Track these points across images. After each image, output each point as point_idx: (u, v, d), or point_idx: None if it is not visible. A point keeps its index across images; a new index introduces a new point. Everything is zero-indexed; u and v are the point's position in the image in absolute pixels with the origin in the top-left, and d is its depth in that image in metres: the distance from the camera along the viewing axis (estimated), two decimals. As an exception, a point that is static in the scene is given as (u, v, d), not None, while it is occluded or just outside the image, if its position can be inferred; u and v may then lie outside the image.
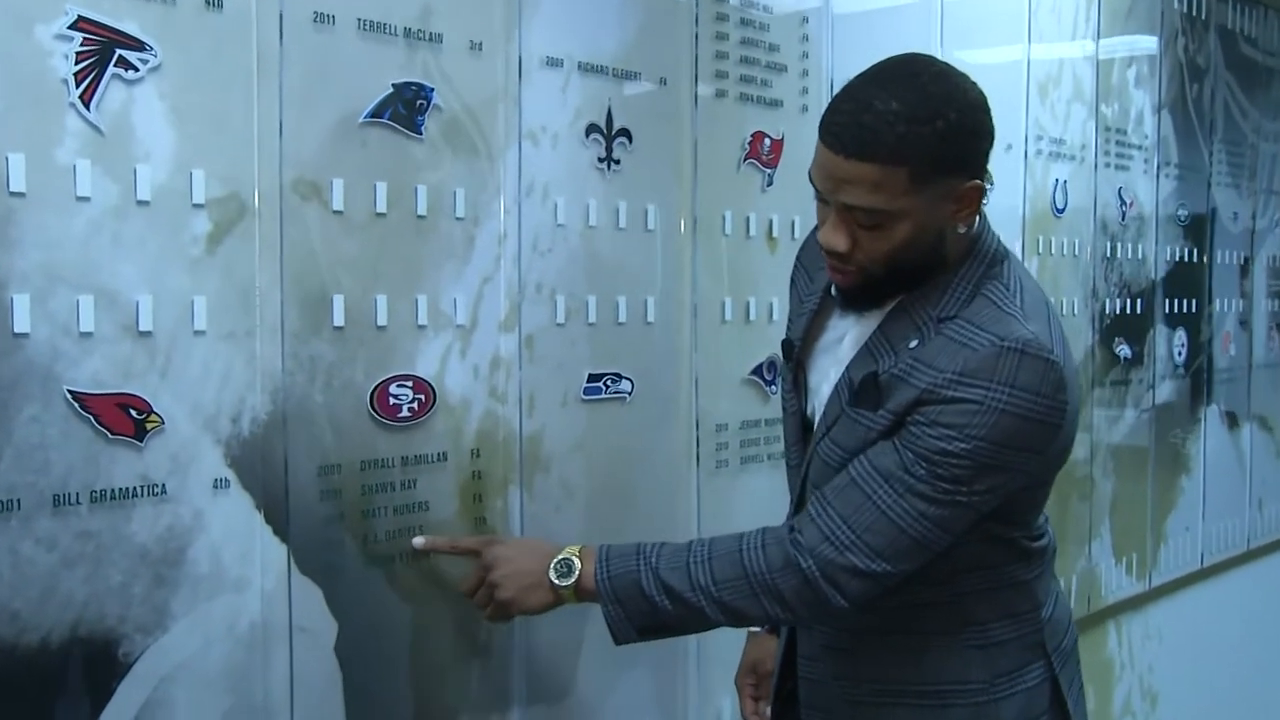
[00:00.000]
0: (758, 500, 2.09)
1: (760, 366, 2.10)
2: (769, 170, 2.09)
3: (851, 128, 1.31)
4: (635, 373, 1.89)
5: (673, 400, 1.96)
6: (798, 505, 1.53)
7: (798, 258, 1.64)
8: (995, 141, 1.39)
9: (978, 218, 1.41)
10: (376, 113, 1.55)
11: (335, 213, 1.51)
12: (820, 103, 2.18)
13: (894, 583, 1.38)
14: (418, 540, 1.59)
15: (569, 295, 1.79)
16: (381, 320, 1.56)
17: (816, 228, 1.46)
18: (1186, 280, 3.38)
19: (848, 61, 2.23)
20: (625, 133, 1.86)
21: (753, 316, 2.07)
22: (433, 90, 1.60)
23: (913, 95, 1.30)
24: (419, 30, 1.58)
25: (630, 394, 1.88)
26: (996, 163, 2.55)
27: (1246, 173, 3.64)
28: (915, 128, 1.29)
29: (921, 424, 1.33)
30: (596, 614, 1.46)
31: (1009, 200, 2.66)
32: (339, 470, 1.53)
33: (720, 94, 2.01)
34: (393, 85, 1.56)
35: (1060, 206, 2.82)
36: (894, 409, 1.36)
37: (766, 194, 2.09)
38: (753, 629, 1.75)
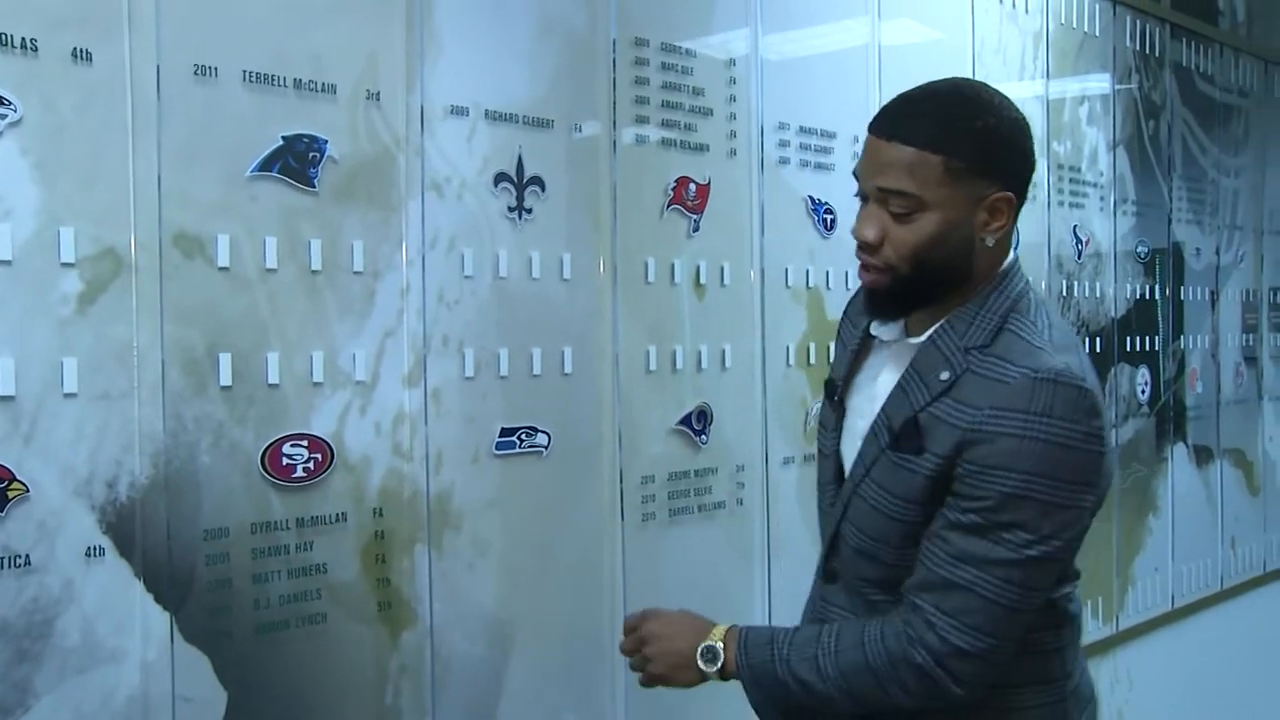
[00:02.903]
0: (688, 553, 2.05)
1: (689, 416, 2.05)
2: (695, 216, 2.06)
3: (897, 114, 1.39)
4: (552, 425, 1.84)
5: (594, 453, 1.92)
6: (830, 546, 1.53)
7: (844, 311, 1.65)
8: (1034, 172, 1.44)
9: (1010, 248, 1.46)
10: (265, 166, 1.51)
11: (221, 269, 1.47)
12: (750, 146, 2.16)
13: (1003, 657, 1.37)
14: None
15: (479, 348, 1.75)
16: (273, 378, 1.52)
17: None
18: (1148, 317, 3.34)
19: (780, 106, 2.21)
20: (537, 181, 1.82)
21: (679, 366, 2.03)
22: (326, 142, 1.57)
23: (960, 96, 1.40)
24: (310, 81, 1.55)
25: (547, 447, 1.84)
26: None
27: (1208, 208, 3.61)
28: (956, 122, 1.36)
29: (972, 473, 1.34)
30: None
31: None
32: (227, 534, 1.48)
33: (641, 139, 1.97)
34: (283, 138, 1.53)
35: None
36: (938, 451, 1.36)
37: (692, 240, 2.06)
38: None
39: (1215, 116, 3.64)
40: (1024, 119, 1.42)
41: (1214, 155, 3.62)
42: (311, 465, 1.56)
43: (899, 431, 1.41)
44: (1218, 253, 3.66)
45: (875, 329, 1.51)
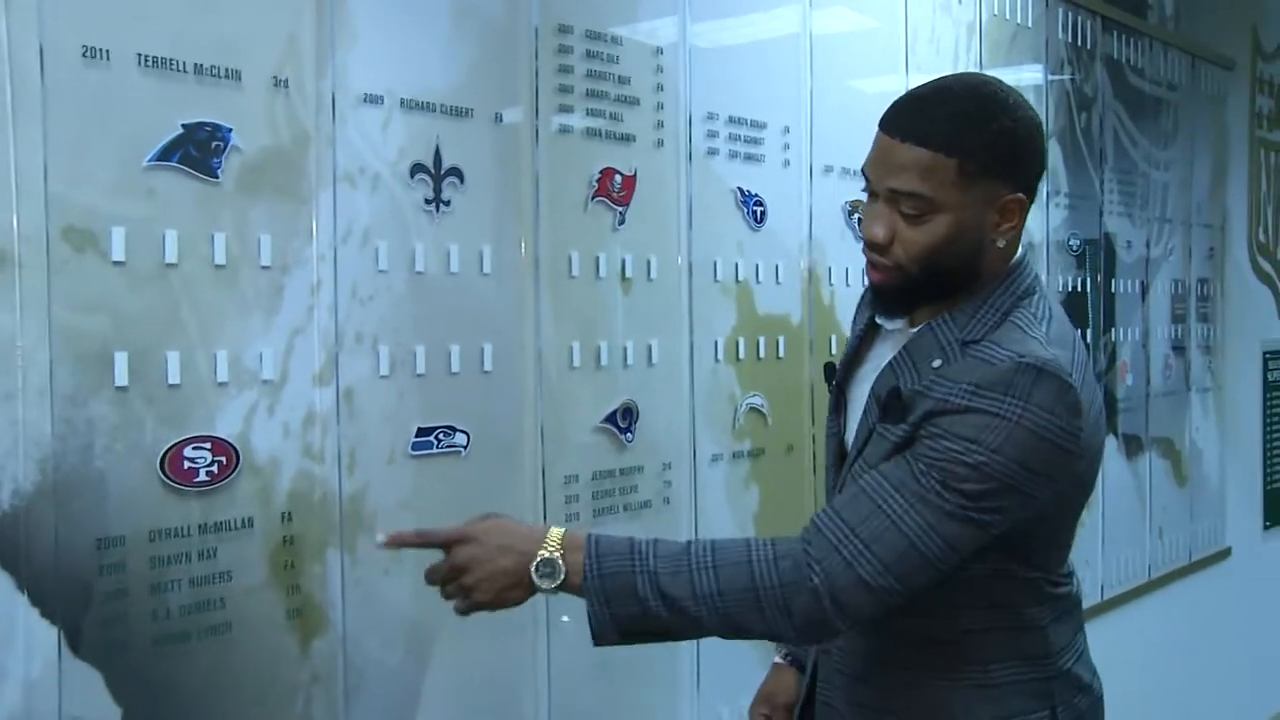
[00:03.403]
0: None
1: (614, 413, 2.00)
2: (620, 208, 2.01)
3: (910, 113, 1.36)
4: (472, 424, 1.79)
5: (515, 452, 1.86)
6: None
7: (861, 297, 1.61)
8: (1046, 172, 1.43)
9: (1019, 246, 1.44)
10: (164, 155, 1.44)
11: (116, 263, 1.40)
12: (678, 137, 2.11)
13: (895, 603, 1.33)
14: (380, 537, 1.39)
15: (394, 345, 1.69)
16: (174, 378, 1.45)
17: None
18: (1080, 309, 3.34)
19: (709, 95, 2.16)
20: (456, 171, 1.76)
21: (604, 362, 1.98)
22: (230, 131, 1.50)
23: (975, 96, 1.36)
24: (212, 67, 1.48)
25: (466, 447, 1.78)
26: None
27: (1139, 201, 3.63)
28: (972, 123, 1.34)
29: (936, 435, 1.32)
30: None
31: (889, 233, 2.59)
32: (122, 542, 1.41)
33: (565, 129, 1.92)
34: (183, 126, 1.45)
35: (942, 239, 2.75)
36: (912, 421, 1.35)
37: (618, 233, 2.01)
38: (777, 659, 1.73)
39: (1145, 109, 3.65)
40: (1038, 118, 1.41)
41: (1144, 148, 3.64)
42: (215, 469, 1.49)
43: (885, 404, 1.40)
44: (1148, 245, 3.68)
45: (880, 318, 1.49)
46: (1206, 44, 4.03)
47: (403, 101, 1.70)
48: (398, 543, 1.40)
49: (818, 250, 2.41)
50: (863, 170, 1.42)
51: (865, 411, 1.45)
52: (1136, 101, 3.60)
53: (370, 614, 1.67)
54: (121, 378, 1.40)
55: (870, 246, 1.40)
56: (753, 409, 2.28)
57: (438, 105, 1.74)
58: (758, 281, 2.28)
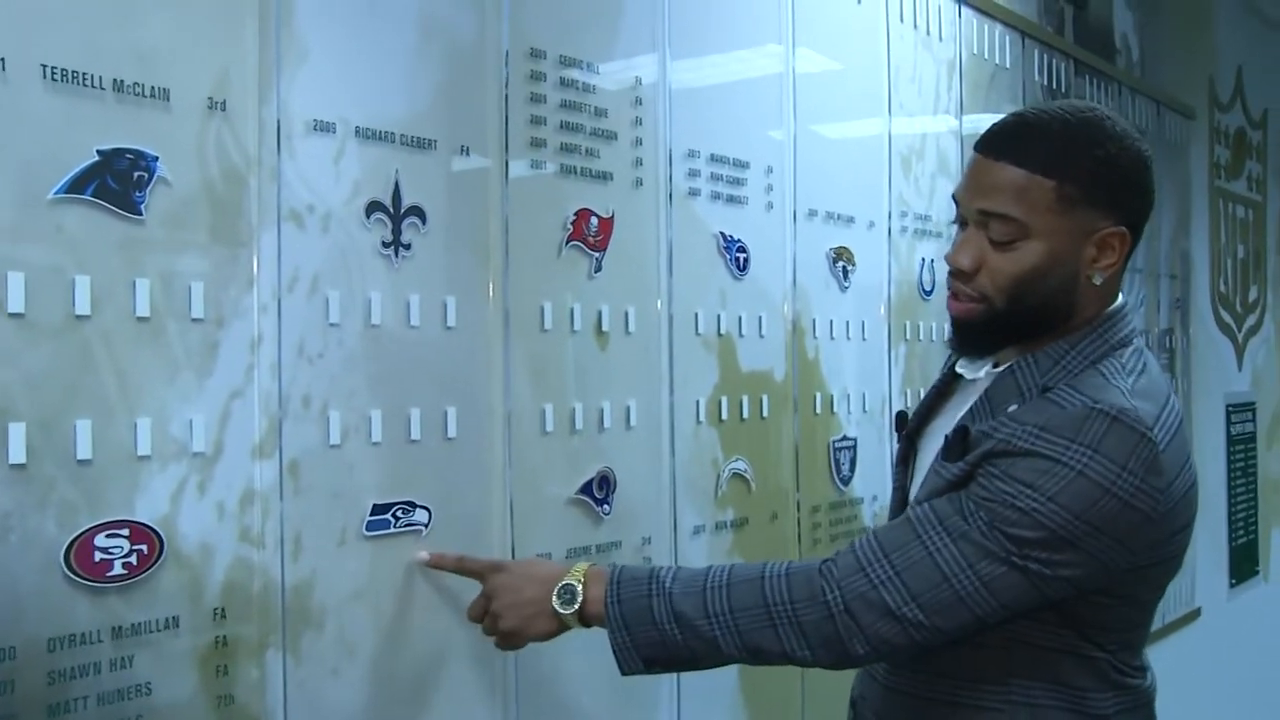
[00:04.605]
0: (590, 641, 1.77)
1: (590, 483, 1.78)
2: (597, 254, 1.80)
3: (1011, 132, 1.30)
4: (433, 499, 1.56)
5: (482, 529, 1.63)
6: None
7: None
8: (1153, 210, 1.36)
9: (1119, 290, 1.37)
10: (75, 187, 1.21)
11: (13, 315, 1.16)
12: (658, 176, 1.92)
13: (923, 640, 1.26)
14: (423, 554, 1.51)
15: (346, 409, 1.46)
16: (84, 453, 1.21)
17: None
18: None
19: (690, 132, 1.97)
20: (417, 211, 1.55)
21: (579, 425, 1.76)
22: (156, 160, 1.27)
23: (1080, 120, 1.29)
24: (135, 84, 1.25)
25: (427, 525, 1.55)
26: (857, 240, 2.35)
27: (1111, 250, 3.51)
28: (1074, 146, 1.27)
29: (992, 475, 1.24)
30: None
31: (874, 280, 2.42)
32: (13, 654, 1.16)
33: (536, 165, 1.71)
34: (99, 152, 1.22)
35: (928, 288, 2.59)
36: (971, 460, 1.28)
37: (594, 281, 1.80)
38: None
39: (1117, 156, 3.54)
40: (1148, 153, 1.33)
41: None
42: (134, 560, 1.25)
43: (949, 442, 1.32)
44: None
45: (961, 366, 1.41)
46: (1169, 92, 3.95)
47: (357, 130, 1.48)
48: (438, 564, 1.51)
49: (802, 300, 2.22)
50: (954, 196, 1.36)
51: (935, 457, 1.35)
52: (1108, 148, 3.49)
53: (316, 724, 1.43)
54: (18, 453, 1.16)
55: (955, 274, 1.33)
56: (736, 474, 2.08)
57: (397, 135, 1.53)
58: (740, 334, 2.08)
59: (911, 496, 1.40)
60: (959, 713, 1.34)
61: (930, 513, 1.27)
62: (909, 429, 1.49)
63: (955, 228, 1.38)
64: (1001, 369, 1.35)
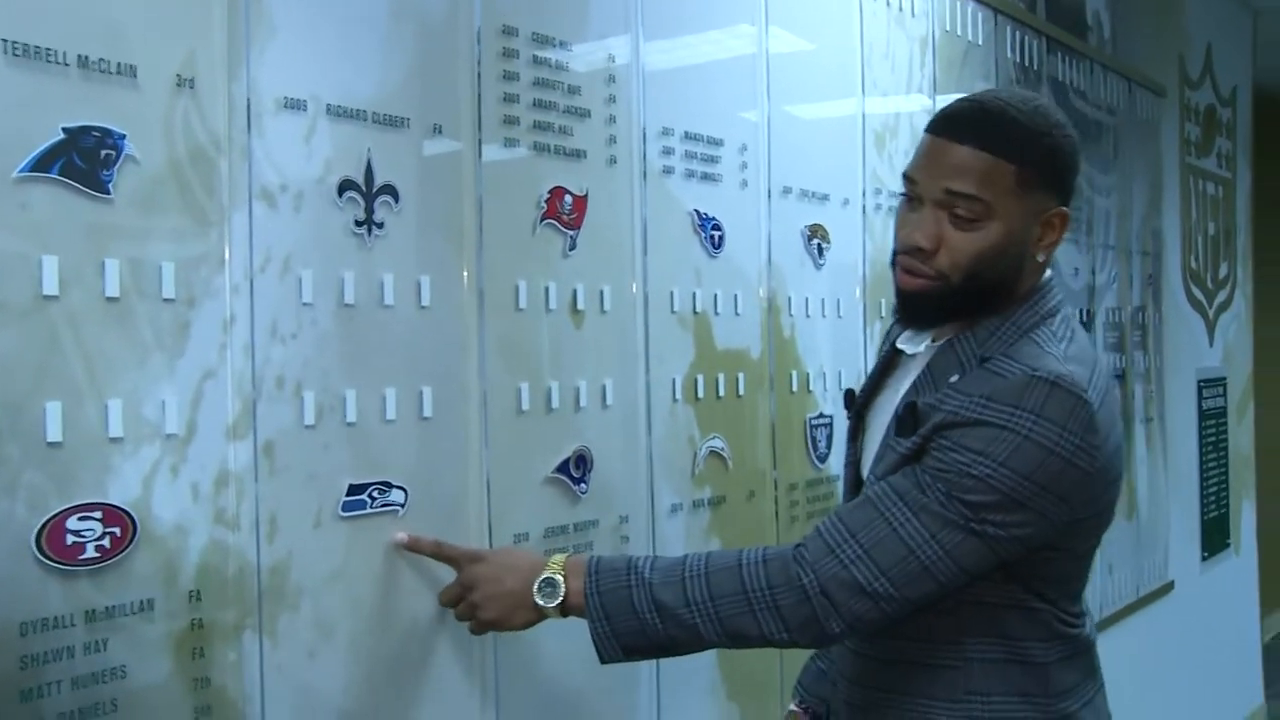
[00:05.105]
0: (568, 621, 1.77)
1: (566, 462, 1.78)
2: (571, 232, 1.80)
3: (973, 117, 1.35)
4: (410, 479, 1.55)
5: (459, 509, 1.63)
6: None
7: (889, 326, 1.61)
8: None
9: (1049, 266, 1.45)
10: (41, 165, 1.19)
11: (-21, 297, 1.15)
12: (632, 153, 1.91)
13: (893, 611, 1.33)
14: (400, 535, 1.51)
15: (321, 390, 1.45)
16: (54, 435, 1.19)
17: None
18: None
19: (664, 109, 1.96)
20: (390, 190, 1.53)
21: (555, 404, 1.76)
22: (124, 138, 1.25)
23: (1030, 108, 1.37)
24: (101, 60, 1.23)
25: (404, 506, 1.55)
26: (832, 218, 2.35)
27: (1084, 227, 3.52)
28: (1032, 133, 1.34)
29: (945, 447, 1.31)
30: None
31: (849, 258, 2.42)
32: (-13, 639, 1.15)
33: (510, 143, 1.70)
34: (64, 130, 1.20)
35: (900, 266, 2.59)
36: (922, 433, 1.35)
37: (569, 259, 1.79)
38: (791, 707, 1.74)
39: (1088, 133, 3.56)
40: (1078, 140, 1.44)
41: (1088, 172, 3.54)
42: (106, 542, 1.24)
43: (900, 418, 1.38)
44: (1094, 272, 3.58)
45: (902, 342, 1.47)
46: (1140, 69, 3.97)
47: (329, 108, 1.47)
48: (415, 547, 1.51)
49: (777, 278, 2.22)
50: (906, 175, 1.40)
51: (885, 435, 1.42)
52: (1080, 124, 3.50)
53: (294, 705, 1.42)
54: (-13, 436, 1.15)
55: (911, 252, 1.38)
56: (713, 452, 2.08)
57: (369, 114, 1.51)
58: (716, 313, 2.08)
59: (864, 471, 1.47)
60: (922, 672, 1.42)
61: (889, 489, 1.34)
62: (857, 405, 1.55)
63: (901, 205, 1.44)
64: (941, 343, 1.41)
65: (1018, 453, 1.28)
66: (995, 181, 1.33)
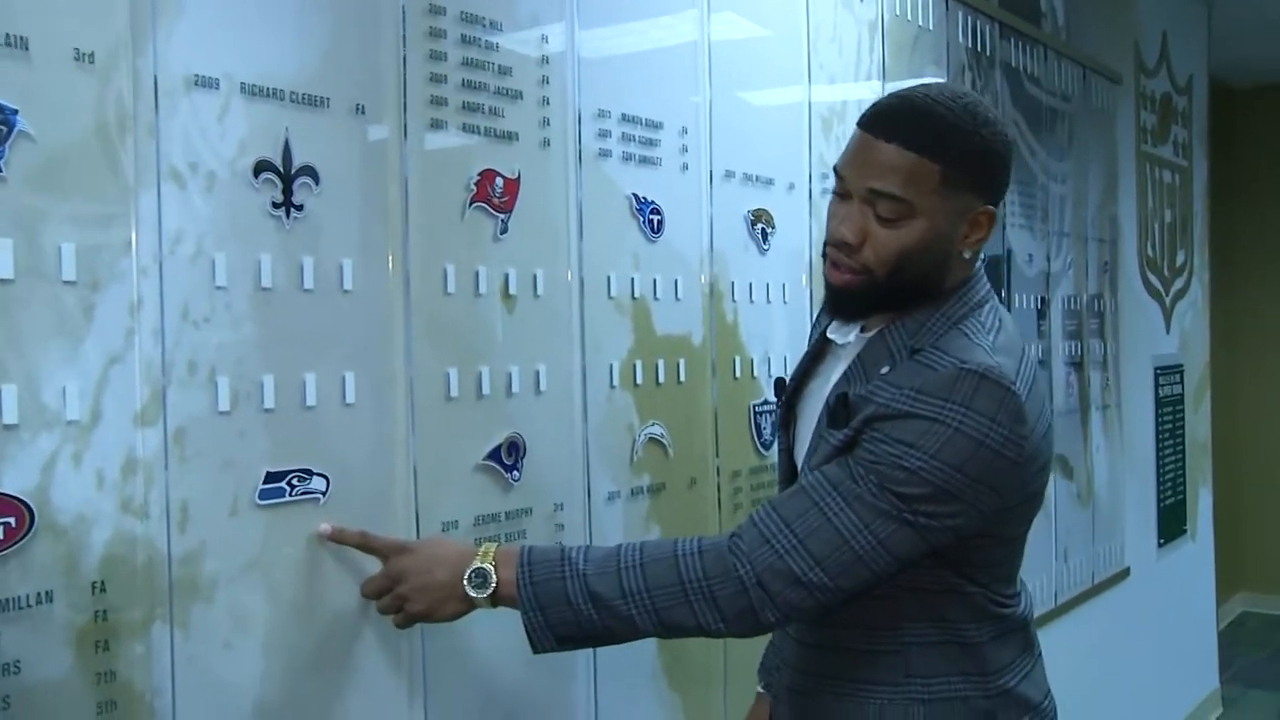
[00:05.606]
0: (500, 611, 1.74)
1: (498, 449, 1.75)
2: (502, 215, 1.76)
3: (900, 115, 1.35)
4: (331, 467, 1.52)
5: (384, 497, 1.59)
6: None
7: (819, 312, 1.61)
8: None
9: (978, 260, 1.45)
10: (-71, 142, 1.15)
11: None
12: (565, 136, 1.88)
13: (828, 601, 1.34)
14: (325, 527, 1.47)
15: (236, 375, 1.41)
16: (-55, 421, 1.15)
17: None
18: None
19: (599, 93, 1.93)
20: (310, 171, 1.50)
21: (486, 390, 1.73)
22: (16, 113, 1.21)
23: (959, 106, 1.36)
24: (-7, 33, 1.19)
25: (325, 493, 1.51)
26: (777, 202, 2.32)
27: (1039, 214, 3.52)
28: (959, 132, 1.34)
29: (876, 439, 1.32)
30: None
31: (794, 243, 2.40)
32: (-128, 633, 1.11)
33: (437, 124, 1.66)
34: (-46, 106, 1.16)
35: (848, 252, 2.57)
36: (854, 425, 1.36)
37: (500, 243, 1.76)
38: (759, 689, 1.75)
39: (1042, 120, 3.55)
40: (1012, 139, 1.44)
41: (1042, 159, 3.53)
42: (1, 533, 1.20)
43: (832, 410, 1.39)
44: (1049, 259, 3.57)
45: (831, 332, 1.47)
46: (1095, 57, 3.96)
47: (243, 86, 1.43)
48: (339, 539, 1.47)
49: (719, 264, 2.20)
50: (835, 169, 1.40)
51: (817, 423, 1.43)
52: (1034, 111, 3.49)
53: (207, 700, 1.38)
54: (-128, 423, 1.10)
55: (838, 246, 1.38)
56: (652, 439, 2.05)
57: (286, 93, 1.47)
58: (656, 298, 2.05)
59: (798, 459, 1.49)
60: (862, 658, 1.45)
61: (823, 479, 1.35)
62: (787, 393, 1.56)
63: (832, 197, 1.44)
64: (871, 334, 1.42)
65: (948, 445, 1.30)
66: (919, 181, 1.33)
